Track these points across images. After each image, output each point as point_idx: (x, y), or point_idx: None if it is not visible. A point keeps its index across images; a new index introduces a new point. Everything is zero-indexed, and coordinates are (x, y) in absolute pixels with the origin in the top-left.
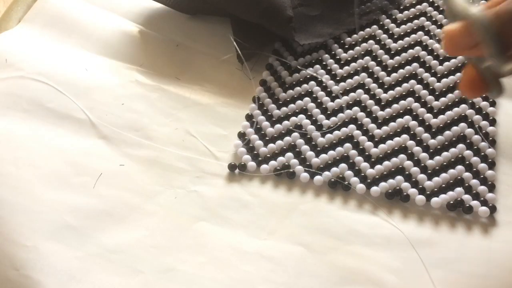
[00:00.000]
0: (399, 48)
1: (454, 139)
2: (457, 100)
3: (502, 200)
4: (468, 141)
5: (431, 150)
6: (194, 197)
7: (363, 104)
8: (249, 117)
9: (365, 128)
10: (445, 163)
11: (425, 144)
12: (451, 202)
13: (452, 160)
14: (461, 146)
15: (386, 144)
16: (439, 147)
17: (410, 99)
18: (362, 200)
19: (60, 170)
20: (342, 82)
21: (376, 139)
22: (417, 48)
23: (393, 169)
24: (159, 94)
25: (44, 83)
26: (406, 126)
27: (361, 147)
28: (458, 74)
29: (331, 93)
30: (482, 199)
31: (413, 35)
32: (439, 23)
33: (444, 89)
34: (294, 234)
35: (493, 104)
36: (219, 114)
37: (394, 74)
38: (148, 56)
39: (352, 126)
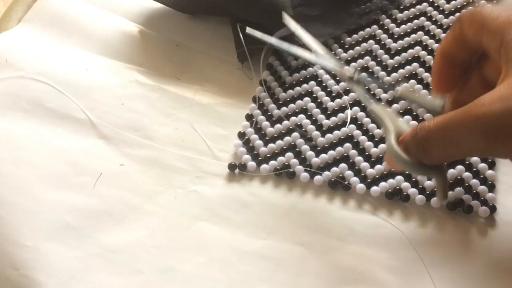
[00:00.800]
0: (399, 48)
1: None
2: None
3: (502, 200)
4: None
5: None
6: (194, 197)
7: (363, 104)
8: (249, 117)
9: (365, 128)
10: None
11: None
12: (451, 202)
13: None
14: None
15: None
16: None
17: None
18: (362, 200)
19: (60, 170)
20: (342, 82)
21: (376, 139)
22: (417, 48)
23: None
24: (159, 94)
25: (44, 83)
26: None
27: (361, 147)
28: None
29: (331, 93)
30: (482, 199)
31: (413, 35)
32: (439, 23)
33: None
34: (294, 234)
35: None
36: (219, 114)
37: (394, 74)
38: (148, 56)
39: (352, 126)
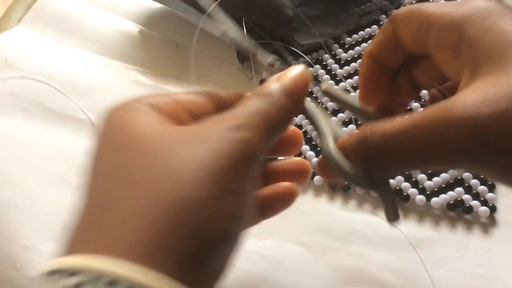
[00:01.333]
0: None
1: None
2: None
3: (502, 200)
4: None
5: None
6: None
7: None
8: None
9: None
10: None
11: None
12: (451, 202)
13: None
14: None
15: None
16: None
17: None
18: (362, 200)
19: (60, 170)
20: (342, 82)
21: None
22: None
23: None
24: None
25: (44, 83)
26: None
27: None
28: None
29: None
30: (482, 199)
31: None
32: None
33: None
34: (294, 234)
35: None
36: None
37: None
38: (148, 56)
39: (352, 126)
